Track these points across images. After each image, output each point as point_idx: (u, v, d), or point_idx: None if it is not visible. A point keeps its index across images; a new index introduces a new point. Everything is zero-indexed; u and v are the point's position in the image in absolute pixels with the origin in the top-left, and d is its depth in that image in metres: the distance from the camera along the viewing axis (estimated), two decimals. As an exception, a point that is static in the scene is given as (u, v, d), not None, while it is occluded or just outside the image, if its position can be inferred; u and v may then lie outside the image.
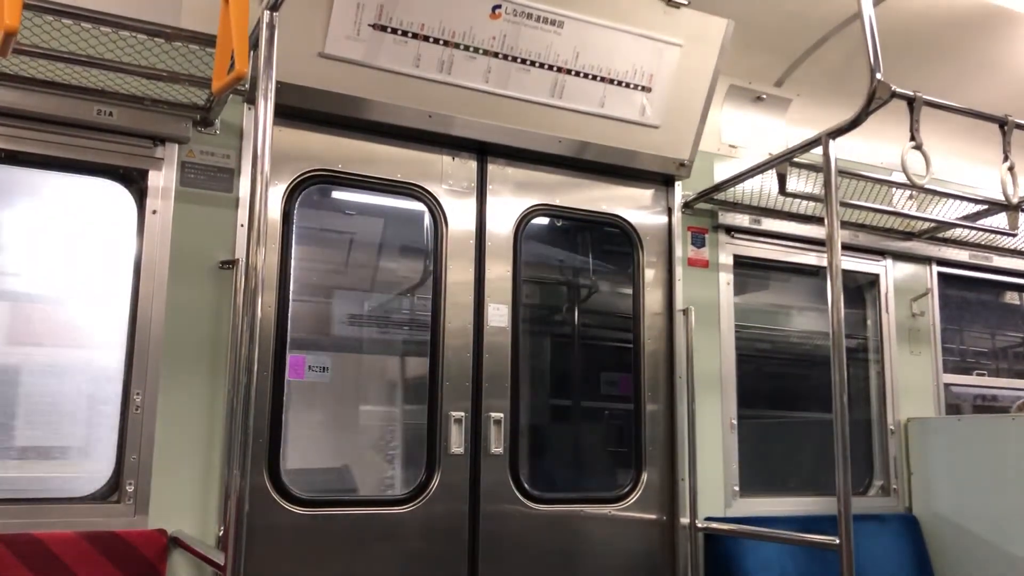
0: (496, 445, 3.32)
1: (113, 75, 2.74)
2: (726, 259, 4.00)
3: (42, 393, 2.87)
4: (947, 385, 4.52)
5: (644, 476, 3.62)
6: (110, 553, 2.63)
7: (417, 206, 3.42)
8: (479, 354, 3.36)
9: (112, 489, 2.79)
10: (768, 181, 3.75)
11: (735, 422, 3.85)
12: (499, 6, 3.16)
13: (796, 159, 3.42)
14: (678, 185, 3.87)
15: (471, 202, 3.48)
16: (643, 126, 3.58)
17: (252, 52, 2.29)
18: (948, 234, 4.49)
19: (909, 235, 4.44)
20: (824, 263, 3.14)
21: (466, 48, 3.18)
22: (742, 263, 4.07)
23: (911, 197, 4.13)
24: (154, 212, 2.93)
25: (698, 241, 3.93)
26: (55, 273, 2.94)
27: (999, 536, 3.79)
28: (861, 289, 4.50)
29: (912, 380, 4.40)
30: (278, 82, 2.21)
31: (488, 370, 3.36)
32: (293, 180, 3.16)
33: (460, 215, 3.44)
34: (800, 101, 4.18)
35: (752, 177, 3.66)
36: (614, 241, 3.87)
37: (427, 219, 3.44)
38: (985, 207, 4.05)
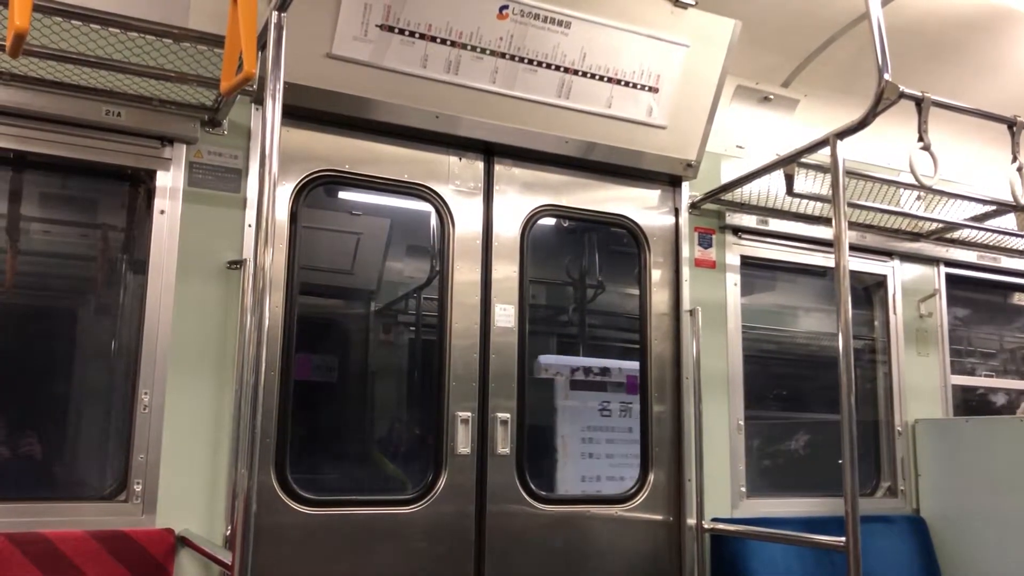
0: (503, 445, 3.31)
1: (121, 76, 2.75)
2: (733, 260, 3.99)
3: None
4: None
5: (651, 477, 3.62)
6: (118, 552, 2.64)
7: (424, 206, 3.43)
8: (486, 354, 3.36)
9: (120, 488, 2.80)
10: (775, 182, 3.74)
11: (742, 423, 3.85)
12: (506, 7, 3.16)
13: (804, 160, 3.41)
14: (685, 186, 3.86)
15: (478, 202, 3.48)
16: (650, 127, 3.57)
17: (260, 53, 2.29)
18: (956, 235, 4.48)
19: (917, 236, 4.43)
20: (831, 264, 3.13)
21: (473, 49, 3.18)
22: (749, 264, 4.06)
23: (919, 198, 4.11)
24: (162, 212, 2.93)
25: (705, 242, 3.92)
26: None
27: (1007, 538, 3.77)
28: (869, 290, 4.49)
29: (920, 381, 4.39)
30: (286, 83, 2.21)
31: (495, 370, 3.36)
32: (301, 180, 3.16)
33: (467, 215, 3.44)
34: (808, 101, 4.17)
35: (759, 178, 3.65)
36: (621, 241, 3.87)
37: (434, 219, 3.44)
38: (993, 208, 4.04)
